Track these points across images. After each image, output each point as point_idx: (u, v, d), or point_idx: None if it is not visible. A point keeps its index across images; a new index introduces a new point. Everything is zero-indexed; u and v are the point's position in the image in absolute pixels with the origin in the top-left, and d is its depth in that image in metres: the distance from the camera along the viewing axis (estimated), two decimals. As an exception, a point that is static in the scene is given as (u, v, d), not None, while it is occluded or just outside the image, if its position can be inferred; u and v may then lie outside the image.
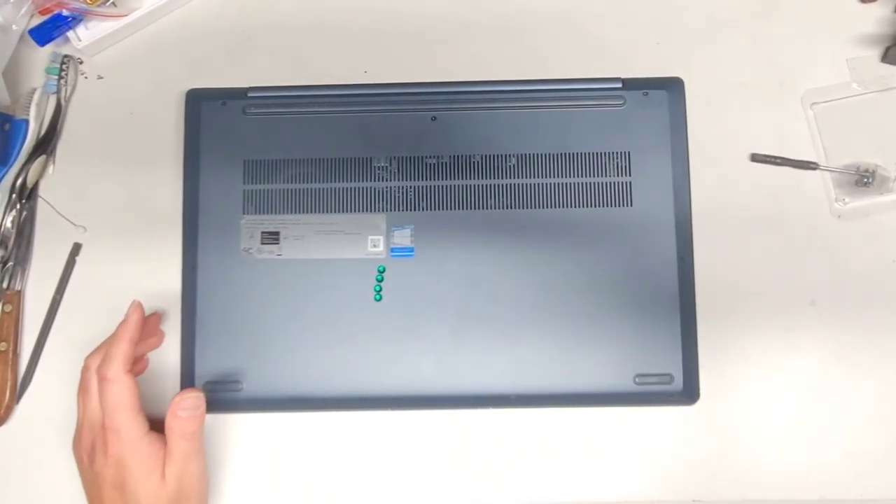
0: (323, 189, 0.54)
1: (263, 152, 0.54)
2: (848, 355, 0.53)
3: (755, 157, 0.55)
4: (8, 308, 0.54)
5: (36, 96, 0.56)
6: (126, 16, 0.56)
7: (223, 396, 0.52)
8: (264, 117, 0.55)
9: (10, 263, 0.54)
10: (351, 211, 0.54)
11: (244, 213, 0.54)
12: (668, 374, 0.52)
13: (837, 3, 0.57)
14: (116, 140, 0.57)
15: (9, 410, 0.53)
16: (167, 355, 0.54)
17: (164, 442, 0.47)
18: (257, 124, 0.55)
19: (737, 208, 0.55)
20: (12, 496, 0.53)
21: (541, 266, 0.53)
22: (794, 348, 0.53)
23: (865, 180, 0.54)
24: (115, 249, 0.55)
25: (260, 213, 0.54)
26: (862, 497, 0.52)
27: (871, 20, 0.57)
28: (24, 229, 0.55)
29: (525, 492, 0.53)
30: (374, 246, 0.53)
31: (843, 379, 0.53)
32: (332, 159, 0.54)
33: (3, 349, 0.53)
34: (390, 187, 0.54)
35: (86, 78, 0.58)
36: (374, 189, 0.54)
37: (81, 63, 0.58)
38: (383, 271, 0.53)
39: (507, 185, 0.54)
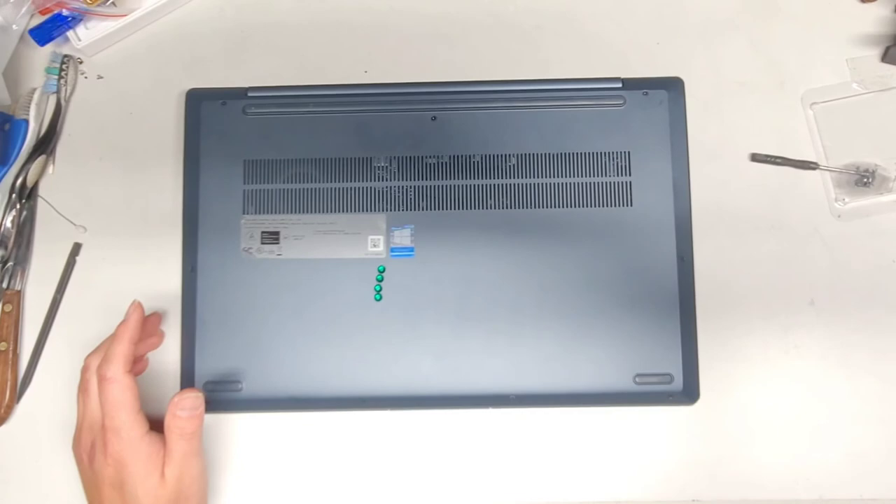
0: (323, 189, 0.54)
1: (263, 152, 0.54)
2: (848, 355, 0.53)
3: (755, 157, 0.55)
4: (8, 308, 0.54)
5: (36, 96, 0.56)
6: (126, 16, 0.56)
7: (223, 396, 0.52)
8: (264, 117, 0.55)
9: (10, 263, 0.54)
10: (351, 211, 0.54)
11: (244, 213, 0.54)
12: (668, 374, 0.52)
13: (837, 3, 0.57)
14: (116, 140, 0.57)
15: (9, 410, 0.53)
16: (167, 355, 0.54)
17: (164, 442, 0.47)
18: (257, 124, 0.55)
19: (737, 208, 0.55)
20: (12, 496, 0.53)
21: (541, 266, 0.53)
22: (794, 348, 0.53)
23: (865, 180, 0.54)
24: (115, 249, 0.55)
25: (260, 212, 0.54)
26: (862, 497, 0.52)
27: (871, 20, 0.57)
28: (24, 229, 0.55)
29: (525, 492, 0.52)
30: (374, 246, 0.53)
31: (843, 379, 0.53)
32: (332, 159, 0.54)
33: (3, 349, 0.53)
34: (390, 187, 0.54)
35: (86, 78, 0.58)
36: (374, 189, 0.54)
37: (81, 63, 0.58)
38: (383, 271, 0.53)
39: (507, 185, 0.54)
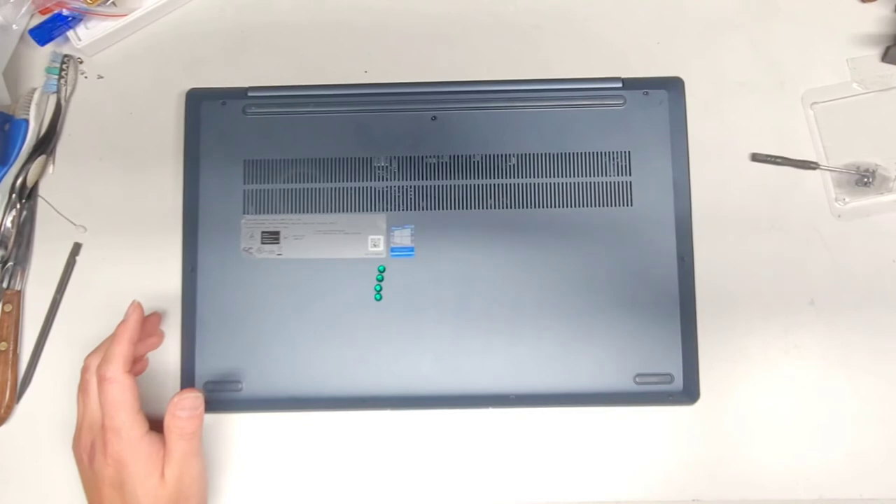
0: (323, 189, 0.54)
1: (263, 152, 0.54)
2: (848, 355, 0.53)
3: (755, 157, 0.55)
4: (8, 308, 0.54)
5: (36, 96, 0.56)
6: (126, 15, 0.56)
7: (223, 396, 0.52)
8: (264, 117, 0.55)
9: (10, 263, 0.54)
10: (351, 211, 0.54)
11: (244, 213, 0.54)
12: (669, 374, 0.52)
13: (837, 3, 0.57)
14: (116, 140, 0.57)
15: (9, 410, 0.53)
16: (167, 355, 0.54)
17: (164, 442, 0.47)
18: (257, 124, 0.55)
19: (737, 208, 0.55)
20: (12, 496, 0.53)
21: (541, 266, 0.53)
22: (794, 348, 0.53)
23: (865, 180, 0.54)
24: (115, 249, 0.55)
25: (260, 212, 0.54)
26: (862, 497, 0.52)
27: (871, 20, 0.57)
28: (24, 229, 0.55)
29: (525, 492, 0.52)
30: (375, 246, 0.53)
31: (843, 379, 0.53)
32: (332, 159, 0.54)
33: (3, 349, 0.53)
34: (390, 187, 0.54)
35: (86, 77, 0.58)
36: (375, 189, 0.54)
37: (81, 63, 0.58)
38: (383, 271, 0.53)
39: (507, 184, 0.54)
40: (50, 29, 0.55)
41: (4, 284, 0.54)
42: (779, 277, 0.54)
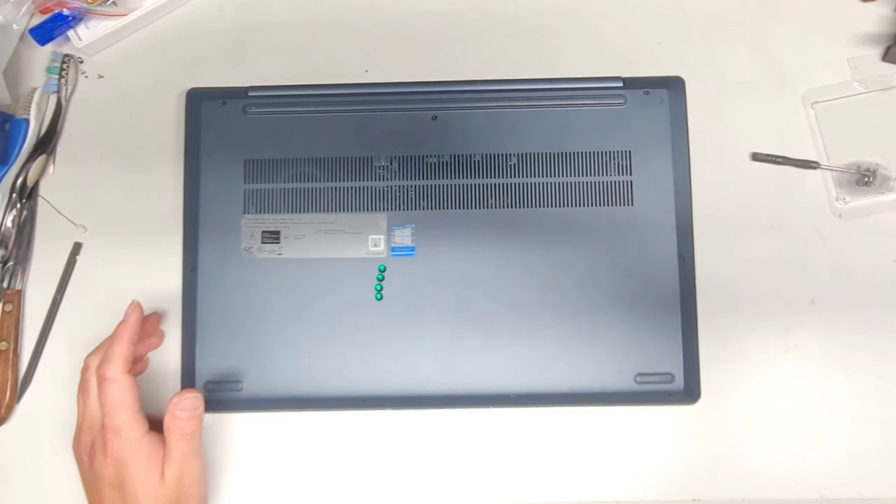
0: (323, 188, 0.54)
1: (264, 152, 0.54)
2: (848, 355, 0.53)
3: (756, 157, 0.55)
4: (8, 308, 0.54)
5: (36, 96, 0.56)
6: (126, 15, 0.56)
7: (223, 396, 0.52)
8: (265, 117, 0.55)
9: (11, 263, 0.54)
10: (351, 210, 0.54)
11: (244, 213, 0.54)
12: (669, 374, 0.52)
13: (838, 3, 0.57)
14: (117, 140, 0.57)
15: (9, 410, 0.53)
16: (167, 355, 0.54)
17: (164, 442, 0.47)
18: (257, 124, 0.55)
19: (737, 207, 0.55)
20: (12, 496, 0.53)
21: (541, 265, 0.53)
22: (795, 348, 0.53)
23: (866, 179, 0.54)
24: (115, 249, 0.55)
25: (260, 212, 0.54)
26: (862, 497, 0.52)
27: (872, 19, 0.57)
28: (25, 229, 0.55)
29: (525, 491, 0.52)
30: (375, 245, 0.53)
31: (843, 379, 0.53)
32: (332, 159, 0.54)
33: (3, 349, 0.53)
34: (391, 186, 0.54)
35: (86, 77, 0.58)
36: (375, 188, 0.54)
37: (82, 62, 0.58)
38: (384, 270, 0.53)
39: (507, 184, 0.54)
40: (50, 28, 0.55)
41: (5, 284, 0.54)
42: (779, 277, 0.54)
